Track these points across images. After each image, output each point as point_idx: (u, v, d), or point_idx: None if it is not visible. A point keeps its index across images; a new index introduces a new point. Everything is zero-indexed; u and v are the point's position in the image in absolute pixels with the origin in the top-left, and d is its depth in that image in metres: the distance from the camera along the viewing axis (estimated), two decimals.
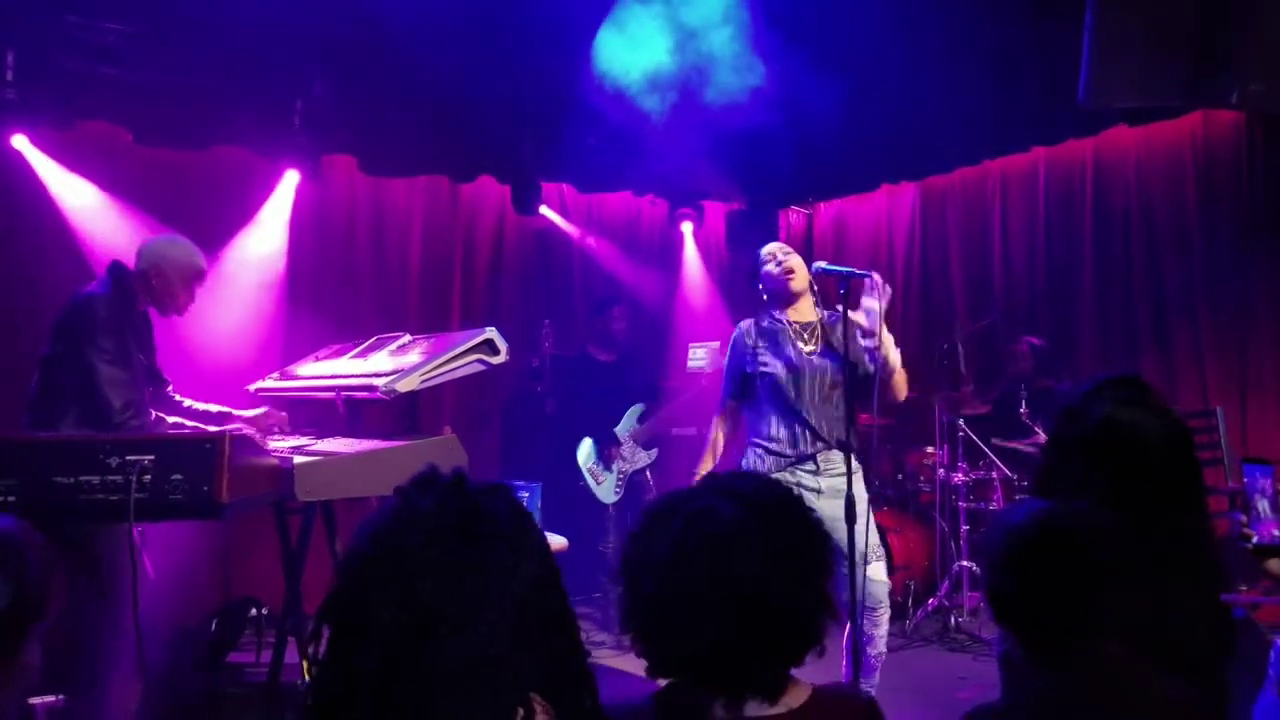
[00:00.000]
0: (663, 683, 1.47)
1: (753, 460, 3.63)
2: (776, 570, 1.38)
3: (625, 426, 5.91)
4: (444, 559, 1.11)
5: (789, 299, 3.69)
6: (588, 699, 1.25)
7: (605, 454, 5.82)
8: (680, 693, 1.43)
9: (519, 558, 1.16)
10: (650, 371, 6.62)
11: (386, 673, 1.07)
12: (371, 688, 1.07)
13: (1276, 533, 1.79)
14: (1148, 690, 1.47)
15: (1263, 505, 1.80)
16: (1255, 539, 1.79)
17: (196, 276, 3.67)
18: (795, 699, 1.44)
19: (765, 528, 1.41)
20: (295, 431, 3.62)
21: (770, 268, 3.72)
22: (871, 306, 3.45)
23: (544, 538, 1.25)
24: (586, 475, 5.76)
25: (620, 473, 5.83)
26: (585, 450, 5.81)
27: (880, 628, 3.50)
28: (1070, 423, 1.95)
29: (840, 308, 3.39)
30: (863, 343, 3.49)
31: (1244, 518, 1.81)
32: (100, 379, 3.30)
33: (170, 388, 3.76)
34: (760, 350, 3.64)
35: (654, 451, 5.97)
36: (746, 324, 3.77)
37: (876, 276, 3.45)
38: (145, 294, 3.57)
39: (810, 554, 1.45)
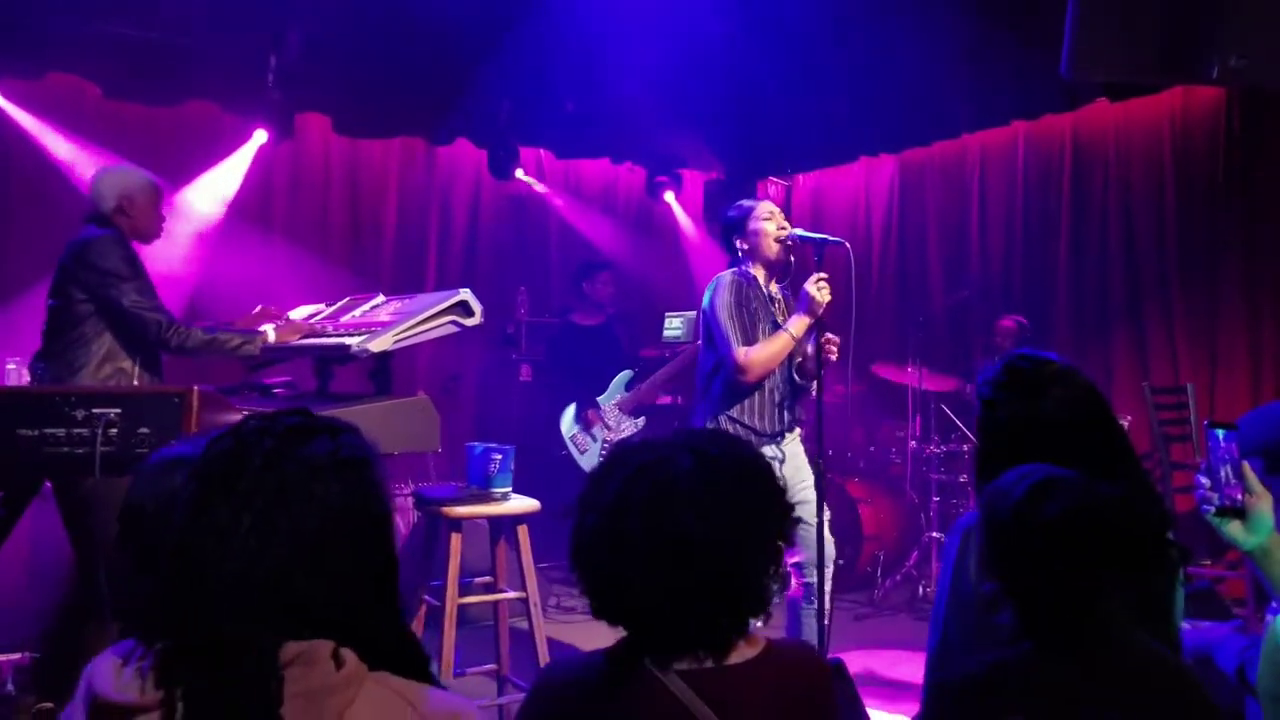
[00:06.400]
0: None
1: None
2: (722, 530, 1.36)
3: (611, 394, 5.73)
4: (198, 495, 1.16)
5: (774, 264, 3.56)
6: (415, 663, 1.24)
7: (584, 418, 5.64)
8: (629, 646, 1.42)
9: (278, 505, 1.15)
10: (637, 339, 6.56)
11: (171, 583, 1.13)
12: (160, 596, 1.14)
13: (1240, 497, 1.79)
14: (1149, 660, 1.47)
15: (1225, 472, 1.80)
16: (1218, 501, 1.79)
17: (160, 196, 3.67)
18: (747, 652, 1.42)
19: (719, 486, 1.38)
20: (266, 392, 3.58)
21: (768, 225, 3.52)
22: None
23: (367, 494, 1.22)
24: (570, 445, 5.57)
25: (605, 441, 5.61)
26: (567, 419, 5.66)
27: (829, 584, 3.45)
28: (982, 426, 1.98)
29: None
30: None
31: (1207, 481, 1.81)
32: (132, 310, 3.29)
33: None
34: (759, 309, 3.48)
35: (641, 420, 5.75)
36: (735, 274, 3.53)
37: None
38: (126, 228, 3.50)
39: (763, 520, 1.42)
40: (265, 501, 1.13)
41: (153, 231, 3.64)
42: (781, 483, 1.50)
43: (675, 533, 1.35)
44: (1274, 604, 2.01)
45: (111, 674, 1.13)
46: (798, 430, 3.63)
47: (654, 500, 1.37)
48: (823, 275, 3.41)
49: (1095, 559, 1.45)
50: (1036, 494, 1.50)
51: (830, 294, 3.40)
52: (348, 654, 1.13)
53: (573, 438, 5.62)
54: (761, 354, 3.39)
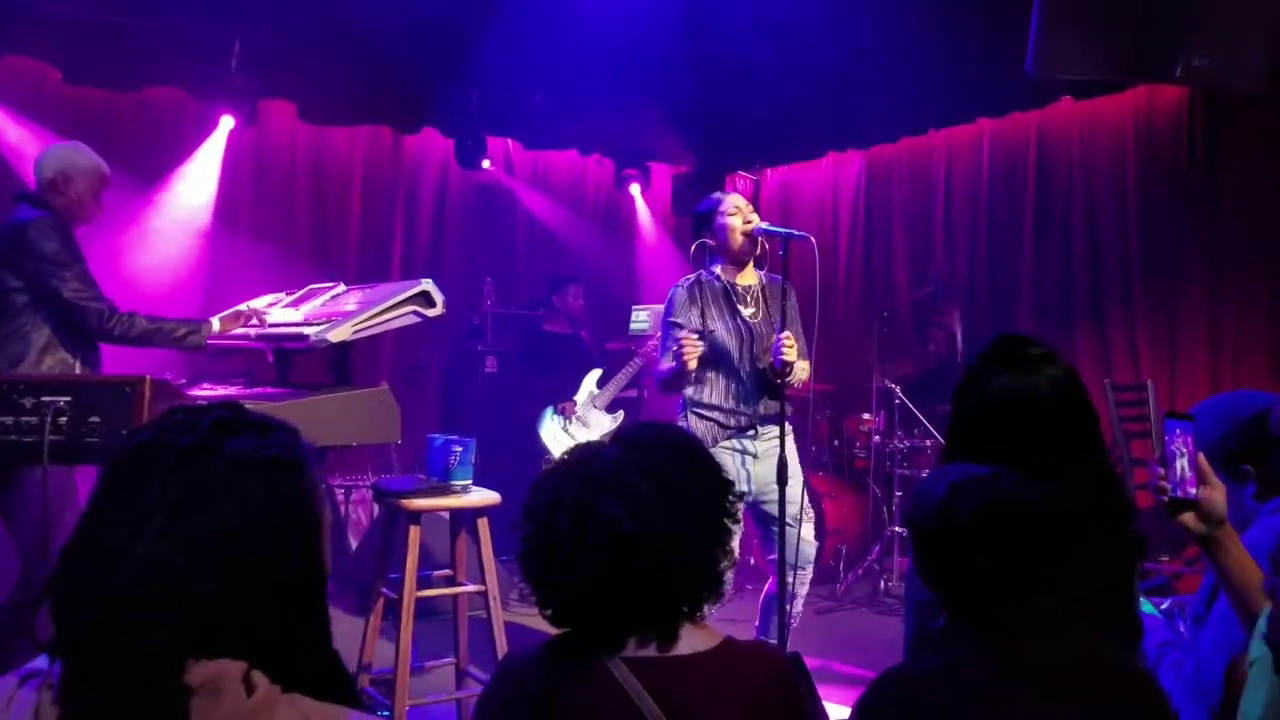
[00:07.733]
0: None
1: (692, 426, 3.50)
2: (653, 514, 1.37)
3: (584, 393, 5.65)
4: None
5: (741, 257, 3.57)
6: (336, 684, 1.14)
7: (562, 417, 5.55)
8: (570, 638, 1.43)
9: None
10: (603, 333, 6.49)
11: (66, 586, 1.02)
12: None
13: (1192, 489, 1.81)
14: (1083, 653, 1.47)
15: (1181, 463, 1.82)
16: (1171, 491, 1.81)
17: (102, 183, 3.53)
18: (699, 644, 1.42)
19: (646, 471, 1.40)
20: (224, 382, 3.53)
21: (734, 220, 3.53)
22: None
23: (295, 498, 1.10)
24: (554, 451, 5.39)
25: (587, 439, 5.41)
26: (545, 424, 5.54)
27: (804, 587, 3.52)
28: (964, 396, 1.96)
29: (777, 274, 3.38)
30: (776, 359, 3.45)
31: (1162, 471, 1.83)
32: (73, 300, 3.21)
33: None
34: (705, 310, 3.52)
35: (619, 415, 5.68)
36: (689, 281, 3.61)
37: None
38: (60, 207, 3.39)
39: (698, 500, 1.44)
40: (178, 499, 1.02)
41: (87, 215, 3.51)
42: (728, 474, 1.51)
43: (599, 523, 1.36)
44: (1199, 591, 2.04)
45: (4, 698, 1.02)
46: (776, 429, 3.40)
47: (580, 494, 1.39)
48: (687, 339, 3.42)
49: (1015, 552, 1.47)
50: (954, 493, 1.52)
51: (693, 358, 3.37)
52: (259, 678, 1.04)
53: (554, 439, 5.55)
54: (661, 373, 3.55)
